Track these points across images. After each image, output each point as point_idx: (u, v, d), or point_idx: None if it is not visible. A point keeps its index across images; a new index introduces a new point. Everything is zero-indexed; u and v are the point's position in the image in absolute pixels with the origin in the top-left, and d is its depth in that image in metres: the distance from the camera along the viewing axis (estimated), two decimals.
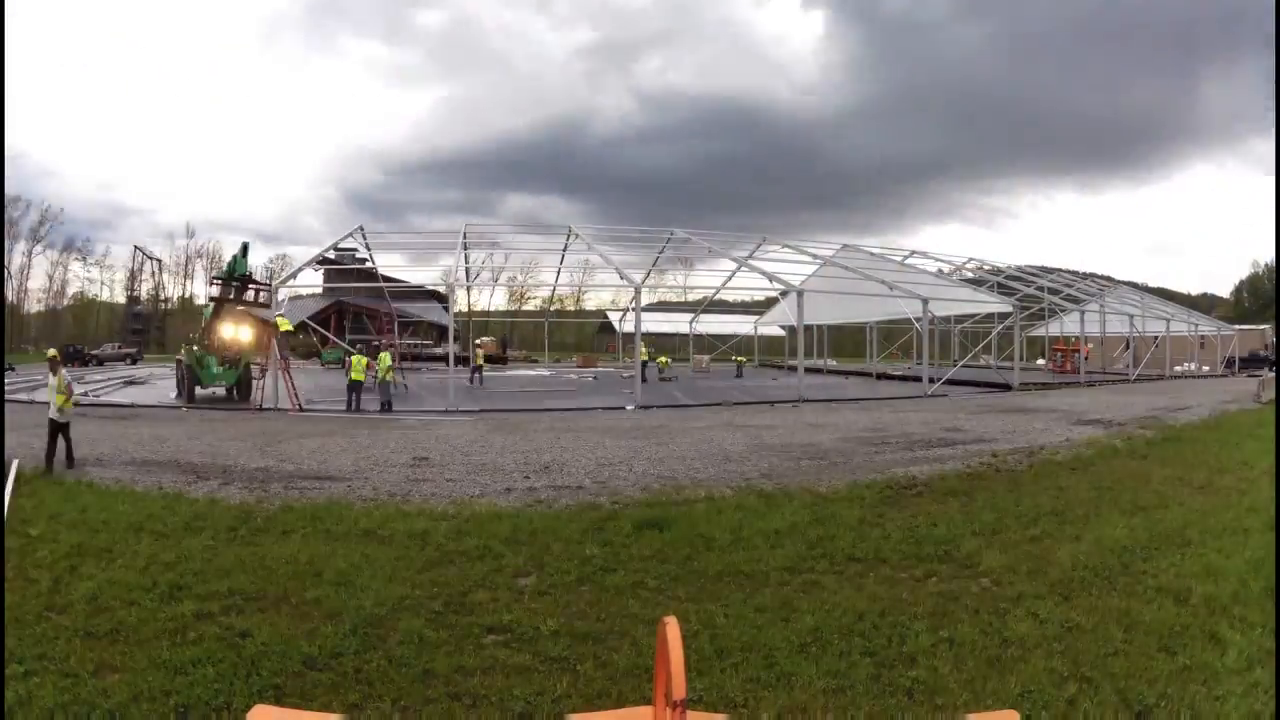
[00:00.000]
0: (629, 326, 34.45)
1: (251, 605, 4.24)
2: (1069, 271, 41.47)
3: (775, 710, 3.10)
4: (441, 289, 35.45)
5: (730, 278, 32.59)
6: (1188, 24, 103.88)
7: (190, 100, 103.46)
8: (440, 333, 46.59)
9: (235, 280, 19.23)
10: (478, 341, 38.33)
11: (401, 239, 32.16)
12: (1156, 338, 36.41)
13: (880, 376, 30.88)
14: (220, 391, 19.73)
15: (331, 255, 30.59)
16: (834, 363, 39.45)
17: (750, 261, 28.05)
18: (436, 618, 4.10)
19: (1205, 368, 38.60)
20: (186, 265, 72.00)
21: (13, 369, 30.63)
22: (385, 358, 17.92)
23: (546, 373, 34.18)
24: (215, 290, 20.16)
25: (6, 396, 17.19)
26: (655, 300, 46.77)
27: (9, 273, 61.35)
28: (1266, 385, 20.34)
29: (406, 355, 38.88)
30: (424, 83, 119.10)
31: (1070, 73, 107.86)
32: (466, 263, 33.22)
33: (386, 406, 16.67)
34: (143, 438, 11.54)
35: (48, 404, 9.13)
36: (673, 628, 1.65)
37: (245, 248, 19.50)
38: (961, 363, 29.77)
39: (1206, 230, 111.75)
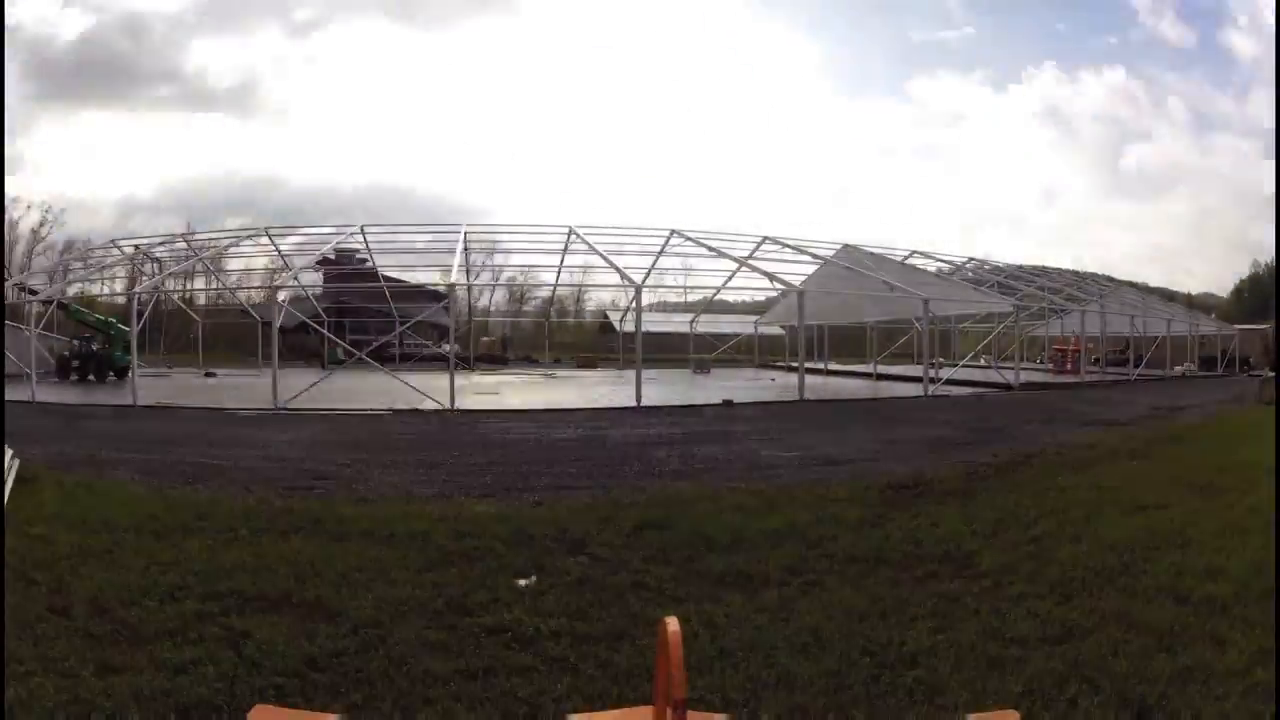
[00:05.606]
0: (629, 327, 34.46)
1: (251, 605, 4.25)
2: (1069, 271, 41.40)
3: (775, 710, 3.11)
4: (441, 289, 35.44)
5: (730, 278, 32.58)
6: None
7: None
8: (440, 333, 46.53)
9: None
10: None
11: (402, 239, 32.22)
12: (1157, 338, 36.35)
13: (879, 377, 30.86)
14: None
15: (331, 255, 30.57)
16: (834, 364, 39.40)
17: (750, 261, 28.04)
18: (437, 618, 4.11)
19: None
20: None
21: None
22: None
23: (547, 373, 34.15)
24: None
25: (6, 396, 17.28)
26: (656, 301, 46.78)
27: (9, 272, 61.30)
28: (1266, 385, 20.33)
29: (409, 356, 38.85)
30: None
31: None
32: (467, 263, 33.22)
33: None
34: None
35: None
36: (673, 627, 1.65)
37: None
38: (962, 363, 29.76)
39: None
